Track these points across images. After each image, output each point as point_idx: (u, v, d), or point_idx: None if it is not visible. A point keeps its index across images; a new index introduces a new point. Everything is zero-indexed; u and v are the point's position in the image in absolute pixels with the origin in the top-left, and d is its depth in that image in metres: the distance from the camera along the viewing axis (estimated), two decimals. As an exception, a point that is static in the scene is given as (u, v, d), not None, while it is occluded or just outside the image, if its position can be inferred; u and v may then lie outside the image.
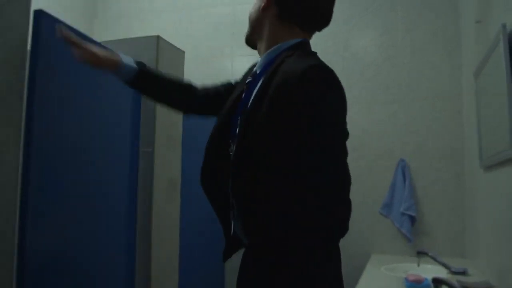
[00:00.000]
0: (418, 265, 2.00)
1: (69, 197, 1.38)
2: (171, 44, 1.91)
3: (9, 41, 1.07)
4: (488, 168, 1.73)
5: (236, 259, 1.07)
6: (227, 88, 1.19)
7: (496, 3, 1.56)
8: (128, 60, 1.11)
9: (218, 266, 2.64)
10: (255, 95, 0.97)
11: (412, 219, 2.36)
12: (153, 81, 1.16)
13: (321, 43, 2.68)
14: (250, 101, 0.97)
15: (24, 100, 1.14)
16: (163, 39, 1.83)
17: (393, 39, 2.58)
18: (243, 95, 1.04)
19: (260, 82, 0.98)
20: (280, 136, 0.89)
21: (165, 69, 1.84)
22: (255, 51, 1.11)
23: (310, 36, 1.08)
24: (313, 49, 1.05)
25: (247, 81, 1.05)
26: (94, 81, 1.53)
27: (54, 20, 1.30)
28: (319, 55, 1.02)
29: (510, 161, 1.37)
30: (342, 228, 0.89)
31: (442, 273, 1.84)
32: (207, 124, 2.76)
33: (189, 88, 1.21)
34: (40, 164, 1.23)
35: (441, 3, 2.50)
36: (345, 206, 0.89)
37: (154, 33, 1.84)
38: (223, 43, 2.88)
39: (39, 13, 1.23)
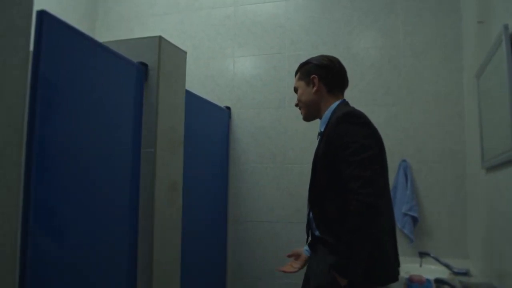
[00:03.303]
0: (420, 266, 2.00)
1: (71, 198, 1.38)
2: (173, 45, 1.91)
3: (12, 42, 1.07)
4: (490, 169, 1.72)
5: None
6: None
7: (498, 4, 1.56)
8: (306, 248, 1.58)
9: (220, 269, 2.64)
10: (319, 141, 1.43)
11: (414, 220, 2.36)
12: None
13: (322, 45, 2.69)
14: (317, 147, 1.43)
15: (26, 101, 1.14)
16: (165, 39, 1.83)
17: (394, 41, 2.58)
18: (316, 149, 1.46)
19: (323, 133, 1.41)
20: (324, 162, 1.35)
21: (167, 69, 1.84)
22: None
23: (343, 95, 1.52)
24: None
25: (318, 140, 1.46)
26: (97, 83, 1.53)
27: (56, 21, 1.31)
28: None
29: (512, 162, 1.37)
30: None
31: (444, 274, 1.85)
32: (208, 129, 2.75)
33: None
34: (42, 165, 1.23)
35: (441, 5, 2.50)
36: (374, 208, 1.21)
37: (155, 34, 1.84)
38: (224, 44, 2.88)
39: (42, 14, 1.23)
